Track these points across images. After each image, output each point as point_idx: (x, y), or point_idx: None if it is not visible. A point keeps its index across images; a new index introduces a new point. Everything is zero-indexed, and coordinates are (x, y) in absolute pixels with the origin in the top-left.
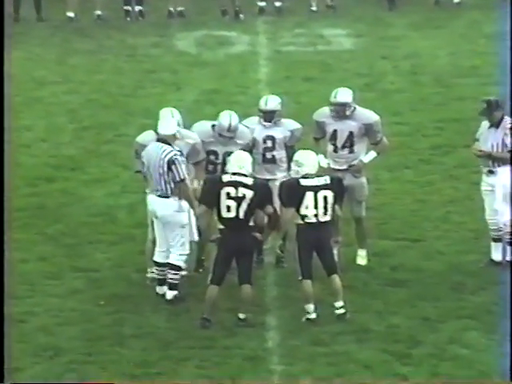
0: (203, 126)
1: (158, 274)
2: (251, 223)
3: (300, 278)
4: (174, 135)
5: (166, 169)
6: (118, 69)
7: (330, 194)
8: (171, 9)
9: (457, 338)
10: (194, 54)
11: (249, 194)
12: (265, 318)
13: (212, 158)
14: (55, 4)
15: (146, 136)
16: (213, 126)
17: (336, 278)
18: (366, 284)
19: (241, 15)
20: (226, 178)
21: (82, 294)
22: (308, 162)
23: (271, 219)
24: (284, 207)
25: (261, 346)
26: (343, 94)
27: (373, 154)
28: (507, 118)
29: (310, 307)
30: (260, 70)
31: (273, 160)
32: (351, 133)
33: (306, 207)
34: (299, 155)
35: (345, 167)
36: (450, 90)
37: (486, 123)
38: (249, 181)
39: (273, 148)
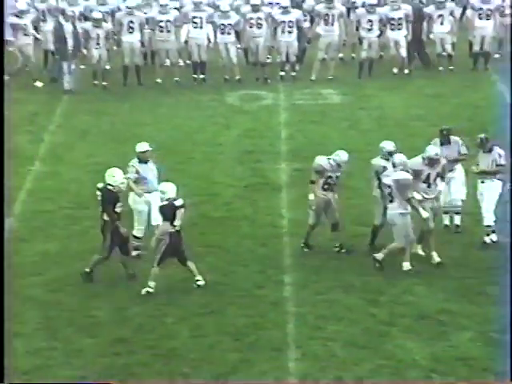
0: (324, 159)
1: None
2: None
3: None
4: (145, 153)
5: None
6: (189, 115)
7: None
8: (227, 77)
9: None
10: (238, 106)
11: (99, 197)
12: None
13: (330, 180)
14: (149, 73)
15: None
16: (328, 159)
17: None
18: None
19: (268, 80)
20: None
21: None
22: (169, 189)
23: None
24: (163, 221)
25: None
26: (437, 150)
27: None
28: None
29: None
30: (281, 116)
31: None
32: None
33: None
34: (162, 186)
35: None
36: (404, 129)
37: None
38: (100, 185)
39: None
